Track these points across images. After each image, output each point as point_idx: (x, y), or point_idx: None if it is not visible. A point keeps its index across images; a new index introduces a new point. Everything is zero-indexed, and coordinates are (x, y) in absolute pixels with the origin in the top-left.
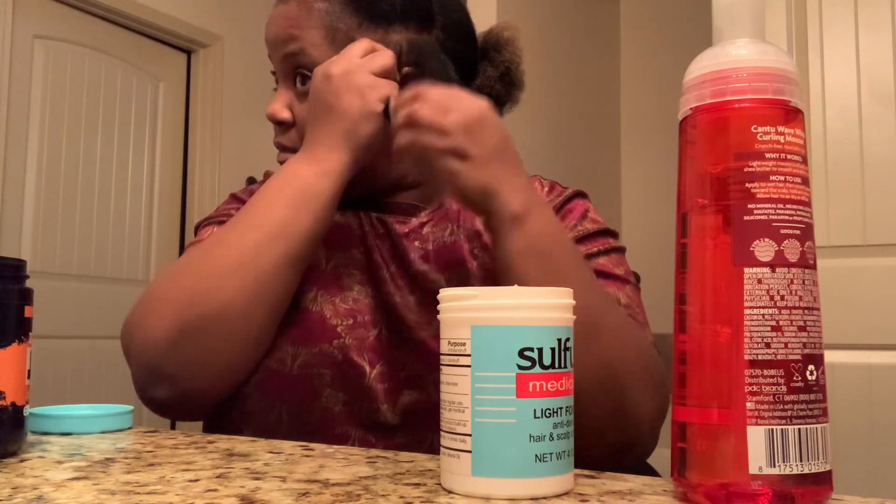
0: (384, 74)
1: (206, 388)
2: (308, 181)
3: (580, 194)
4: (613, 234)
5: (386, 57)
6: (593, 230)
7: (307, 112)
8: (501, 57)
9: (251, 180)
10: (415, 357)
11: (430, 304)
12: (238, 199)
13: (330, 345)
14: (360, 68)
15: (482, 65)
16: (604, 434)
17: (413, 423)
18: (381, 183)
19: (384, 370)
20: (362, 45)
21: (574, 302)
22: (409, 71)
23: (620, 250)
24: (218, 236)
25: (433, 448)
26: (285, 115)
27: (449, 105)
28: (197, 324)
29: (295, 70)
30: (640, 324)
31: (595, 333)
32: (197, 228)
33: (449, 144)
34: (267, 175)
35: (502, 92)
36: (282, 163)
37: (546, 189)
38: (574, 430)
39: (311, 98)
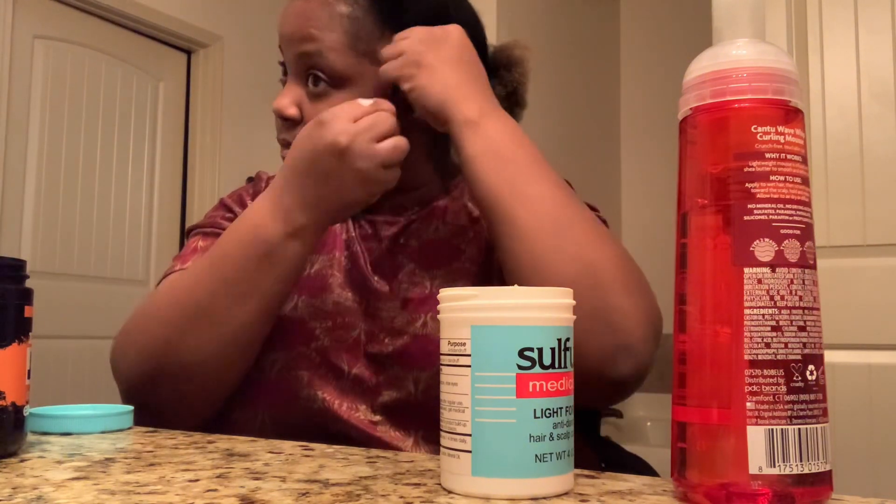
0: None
1: (186, 418)
2: (275, 243)
3: None
4: (593, 209)
5: (388, 121)
6: None
7: (291, 154)
8: (511, 76)
9: (250, 180)
10: (394, 359)
11: (412, 308)
12: (226, 207)
13: (307, 347)
14: (368, 149)
15: (491, 81)
16: (594, 337)
17: (394, 420)
18: None
19: (362, 371)
20: (366, 107)
21: (574, 302)
22: None
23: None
24: (188, 285)
25: (418, 442)
26: (293, 111)
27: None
28: (168, 372)
29: (308, 70)
30: None
31: (565, 227)
32: (188, 234)
33: (406, 59)
34: (259, 177)
35: (507, 110)
36: (284, 158)
37: None
38: None
39: (311, 157)
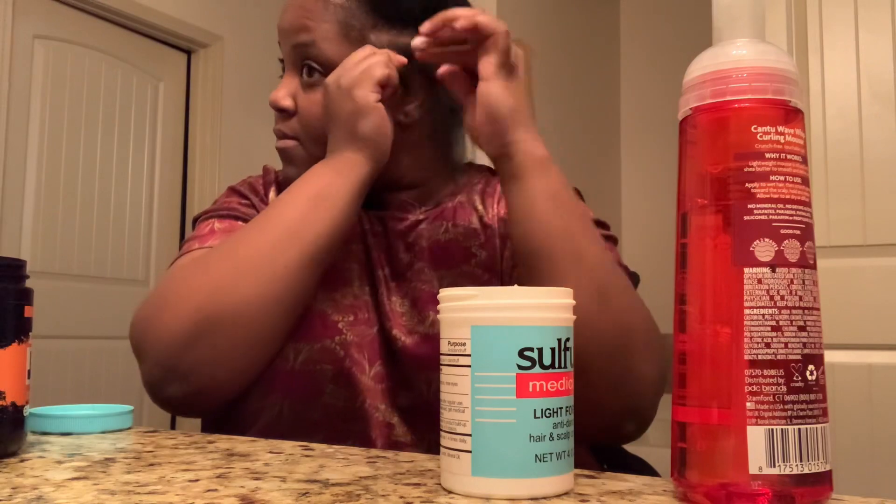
0: (382, 77)
1: (220, 387)
2: (323, 181)
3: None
4: (604, 225)
5: (378, 59)
6: None
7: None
8: None
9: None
10: (405, 359)
11: (420, 306)
12: (236, 192)
13: (332, 341)
14: (348, 72)
15: None
16: (610, 400)
17: (410, 422)
18: (382, 180)
19: (381, 370)
20: (359, 51)
21: (574, 302)
22: (414, 75)
23: (611, 239)
24: (235, 235)
25: (431, 447)
26: (287, 102)
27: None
28: (214, 321)
29: (303, 60)
30: None
31: (609, 294)
32: (195, 222)
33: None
34: (265, 170)
35: None
36: (279, 149)
37: None
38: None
39: (328, 102)
